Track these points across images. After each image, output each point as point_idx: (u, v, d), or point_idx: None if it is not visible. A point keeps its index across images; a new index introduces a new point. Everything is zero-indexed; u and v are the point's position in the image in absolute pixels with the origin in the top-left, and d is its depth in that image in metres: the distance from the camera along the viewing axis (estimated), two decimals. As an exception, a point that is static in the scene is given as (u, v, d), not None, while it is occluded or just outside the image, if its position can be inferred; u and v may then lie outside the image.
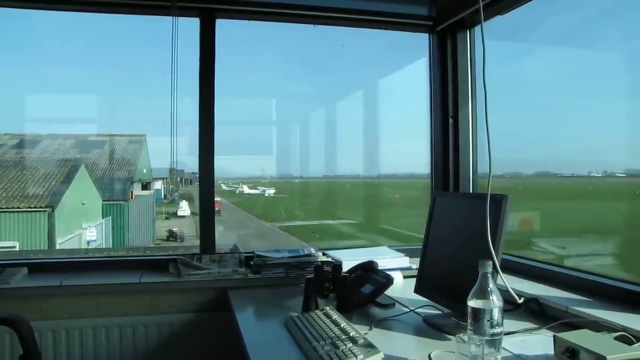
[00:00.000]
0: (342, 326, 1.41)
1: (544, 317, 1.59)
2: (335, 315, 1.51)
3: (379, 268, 1.90)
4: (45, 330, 1.96)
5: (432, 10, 2.51)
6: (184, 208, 9.19)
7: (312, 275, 1.84)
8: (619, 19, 2.42)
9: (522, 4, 2.06)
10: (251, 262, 2.17)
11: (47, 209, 6.79)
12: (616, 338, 1.25)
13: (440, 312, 1.63)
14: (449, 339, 1.41)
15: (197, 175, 2.30)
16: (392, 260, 2.19)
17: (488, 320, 1.13)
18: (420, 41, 2.62)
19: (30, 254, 6.55)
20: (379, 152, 5.53)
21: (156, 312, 2.08)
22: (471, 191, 2.48)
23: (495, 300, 1.15)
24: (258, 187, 9.25)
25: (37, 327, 1.56)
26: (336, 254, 2.25)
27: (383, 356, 1.24)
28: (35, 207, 6.78)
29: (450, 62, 2.52)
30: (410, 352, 1.33)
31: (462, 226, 1.63)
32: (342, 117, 6.45)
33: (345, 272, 1.90)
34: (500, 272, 1.38)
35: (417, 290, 1.76)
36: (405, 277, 2.17)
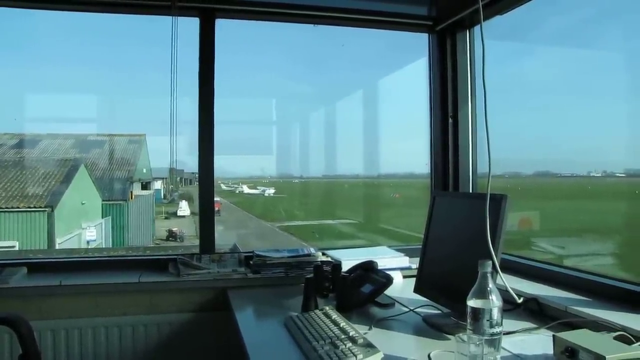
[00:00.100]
0: (341, 326, 1.41)
1: (543, 317, 1.59)
2: (334, 315, 1.51)
3: (379, 268, 1.90)
4: (45, 329, 1.96)
5: (431, 10, 2.51)
6: (184, 208, 9.20)
7: (311, 275, 1.84)
8: (619, 18, 2.42)
9: (522, 4, 2.06)
10: (251, 262, 2.17)
11: (46, 209, 6.79)
12: (615, 338, 1.25)
13: (439, 311, 1.63)
14: (449, 339, 1.41)
15: (197, 175, 2.30)
16: (392, 260, 2.20)
17: (487, 320, 1.13)
18: (420, 41, 2.62)
19: (30, 253, 6.53)
20: (378, 152, 5.53)
21: (156, 311, 2.08)
22: (471, 191, 2.48)
23: (495, 300, 1.15)
24: (258, 187, 9.25)
25: (36, 327, 1.56)
26: (336, 254, 2.25)
27: (382, 356, 1.24)
28: (34, 207, 6.79)
29: (449, 62, 2.52)
30: (410, 352, 1.33)
31: (461, 226, 1.63)
32: (341, 117, 6.45)
33: (345, 272, 1.90)
34: (500, 271, 1.38)
35: (417, 290, 1.76)
36: (404, 276, 2.17)
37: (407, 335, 1.51)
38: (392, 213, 7.35)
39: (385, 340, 1.41)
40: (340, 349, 1.25)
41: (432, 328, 1.52)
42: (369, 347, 1.26)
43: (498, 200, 1.42)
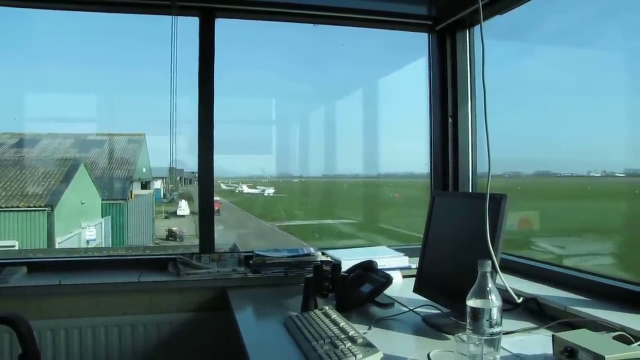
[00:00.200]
0: (341, 325, 1.41)
1: (542, 317, 1.60)
2: (334, 315, 1.51)
3: (378, 267, 1.91)
4: (45, 329, 1.96)
5: (431, 9, 2.51)
6: (184, 207, 9.19)
7: (311, 275, 1.84)
8: (619, 18, 2.42)
9: (521, 4, 2.06)
10: (250, 262, 2.17)
11: (46, 208, 6.79)
12: (615, 338, 1.25)
13: (439, 311, 1.63)
14: (448, 339, 1.41)
15: (197, 174, 2.30)
16: (392, 260, 2.20)
17: (487, 320, 1.13)
18: (420, 41, 2.62)
19: (30, 253, 6.53)
20: (378, 152, 5.52)
21: (155, 311, 2.08)
22: (470, 191, 2.48)
23: (494, 300, 1.15)
24: (257, 187, 9.24)
25: (36, 326, 1.56)
26: (335, 254, 2.25)
27: (382, 355, 1.24)
28: (34, 206, 6.78)
29: (449, 62, 2.53)
30: (410, 352, 1.33)
31: (461, 226, 1.63)
32: (341, 117, 6.44)
33: (345, 272, 1.90)
34: (500, 271, 1.38)
35: (416, 289, 1.76)
36: (404, 276, 2.17)
37: (407, 335, 1.51)
38: (392, 213, 7.34)
39: (384, 340, 1.41)
40: (339, 348, 1.25)
41: (431, 328, 1.52)
42: (369, 346, 1.26)
43: (498, 200, 1.42)
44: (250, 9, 2.34)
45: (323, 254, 2.29)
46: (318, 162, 7.24)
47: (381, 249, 2.41)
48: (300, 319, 1.51)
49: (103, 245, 7.53)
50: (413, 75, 2.95)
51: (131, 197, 8.24)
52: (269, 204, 9.28)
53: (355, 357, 1.21)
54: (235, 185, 9.48)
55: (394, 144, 5.47)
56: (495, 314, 1.14)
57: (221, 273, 2.12)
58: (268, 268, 2.13)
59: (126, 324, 2.05)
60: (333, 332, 1.36)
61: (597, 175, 3.38)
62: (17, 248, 6.38)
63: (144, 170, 8.61)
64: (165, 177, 9.30)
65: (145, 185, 8.92)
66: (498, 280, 1.37)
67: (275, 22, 2.46)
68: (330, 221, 8.17)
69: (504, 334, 1.18)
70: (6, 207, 6.66)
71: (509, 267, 1.94)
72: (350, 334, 1.34)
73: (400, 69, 3.58)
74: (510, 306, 1.52)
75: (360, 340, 1.29)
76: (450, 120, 2.53)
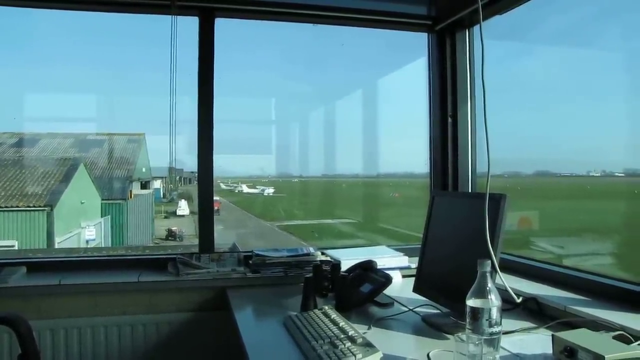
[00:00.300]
0: (340, 325, 1.40)
1: (542, 317, 1.60)
2: (334, 315, 1.51)
3: (378, 267, 1.91)
4: (44, 329, 1.96)
5: (431, 9, 2.51)
6: (183, 207, 9.20)
7: (311, 275, 1.84)
8: (619, 18, 2.42)
9: (521, 4, 2.06)
10: (250, 262, 2.17)
11: (46, 208, 6.79)
12: (614, 337, 1.25)
13: (439, 311, 1.63)
14: (448, 338, 1.41)
15: (196, 174, 2.30)
16: (391, 260, 2.20)
17: (487, 320, 1.13)
18: (419, 40, 2.62)
19: (29, 252, 6.53)
20: (378, 151, 5.52)
21: (155, 311, 2.08)
22: (470, 190, 2.48)
23: (494, 300, 1.15)
24: (257, 186, 9.24)
25: (35, 326, 1.56)
26: (335, 253, 2.25)
27: (382, 355, 1.24)
28: (34, 206, 6.78)
29: (449, 62, 2.53)
30: (409, 351, 1.33)
31: (460, 225, 1.63)
32: (341, 117, 6.44)
33: (344, 272, 1.90)
34: (499, 271, 1.38)
35: (416, 289, 1.76)
36: (404, 276, 2.17)
37: (407, 335, 1.51)
38: (392, 212, 7.35)
39: (384, 339, 1.41)
40: (339, 348, 1.25)
41: (431, 327, 1.52)
42: (368, 346, 1.26)
43: (497, 200, 1.42)
44: (250, 8, 2.33)
45: (323, 253, 2.29)
46: (318, 162, 7.25)
47: (381, 248, 2.41)
48: (300, 319, 1.51)
49: (102, 245, 7.53)
50: (413, 75, 2.95)
51: (131, 196, 8.24)
52: (268, 203, 9.28)
53: (355, 356, 1.21)
54: (235, 185, 9.48)
55: (394, 143, 5.48)
56: (494, 313, 1.14)
57: (221, 273, 2.12)
58: (267, 268, 2.13)
59: (126, 324, 2.04)
60: (333, 332, 1.36)
61: (597, 175, 3.38)
62: (16, 248, 6.38)
63: (144, 169, 8.61)
64: (165, 177, 9.31)
65: (144, 185, 8.92)
66: (497, 280, 1.37)
67: (274, 22, 2.46)
68: (329, 221, 8.18)
69: (503, 333, 1.18)
70: (6, 207, 6.66)
71: (509, 267, 1.94)
72: (350, 333, 1.34)
73: (399, 69, 3.59)
74: (509, 306, 1.51)
75: (359, 340, 1.29)
76: (449, 120, 2.53)
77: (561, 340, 1.20)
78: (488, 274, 1.18)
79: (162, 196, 9.67)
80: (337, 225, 8.00)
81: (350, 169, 7.45)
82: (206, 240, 2.27)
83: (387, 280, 1.78)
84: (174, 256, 2.19)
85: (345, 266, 1.95)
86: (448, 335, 1.43)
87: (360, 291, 1.77)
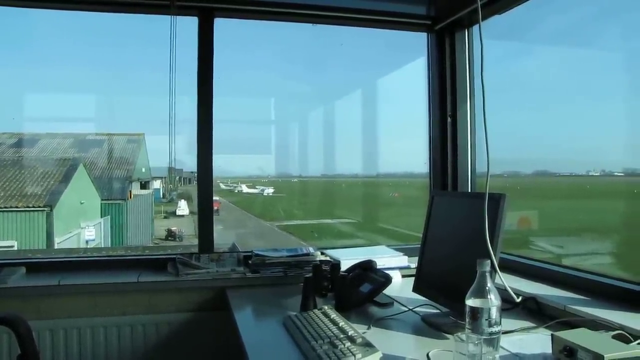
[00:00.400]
0: (340, 325, 1.40)
1: (542, 316, 1.60)
2: (333, 315, 1.51)
3: (378, 267, 1.90)
4: (44, 329, 1.96)
5: (430, 9, 2.51)
6: (183, 207, 9.19)
7: (310, 275, 1.84)
8: (618, 18, 2.42)
9: (520, 4, 2.06)
10: (250, 262, 2.17)
11: (45, 208, 6.78)
12: (614, 337, 1.25)
13: (438, 311, 1.63)
14: (447, 338, 1.41)
15: (196, 174, 2.30)
16: (391, 260, 2.20)
17: (486, 319, 1.13)
18: (419, 40, 2.62)
19: (29, 253, 6.52)
20: (377, 151, 5.52)
21: (155, 311, 2.07)
22: (469, 190, 2.48)
23: (494, 299, 1.15)
24: (257, 186, 9.24)
25: (35, 327, 1.56)
26: (335, 253, 2.25)
27: (381, 355, 1.24)
28: (33, 207, 6.78)
29: (448, 62, 2.53)
30: (409, 351, 1.33)
31: (460, 225, 1.63)
32: (340, 116, 6.44)
33: (344, 271, 1.90)
34: (499, 271, 1.38)
35: (416, 289, 1.76)
36: (403, 276, 2.17)
37: (406, 335, 1.51)
38: (391, 212, 7.35)
39: (384, 339, 1.41)
40: (339, 348, 1.25)
41: (431, 327, 1.52)
42: (368, 346, 1.26)
43: (497, 200, 1.42)
44: (250, 8, 2.34)
45: (322, 253, 2.29)
46: (317, 162, 7.25)
47: (380, 248, 2.41)
48: (300, 319, 1.51)
49: (102, 246, 7.53)
50: (412, 75, 2.95)
51: (130, 197, 8.24)
52: (268, 203, 9.28)
53: (355, 356, 1.21)
54: (235, 185, 9.47)
55: (393, 143, 5.48)
56: (494, 313, 1.14)
57: (220, 273, 2.12)
58: (267, 268, 2.13)
59: (125, 324, 2.04)
60: (332, 332, 1.36)
61: (596, 174, 3.39)
62: (16, 248, 6.38)
63: (143, 170, 8.60)
64: (165, 177, 9.31)
65: (144, 185, 8.91)
66: (497, 280, 1.37)
67: (274, 22, 2.46)
68: (329, 221, 8.18)
69: (503, 333, 1.18)
70: (5, 207, 6.65)
71: (508, 267, 1.95)
72: (350, 333, 1.34)
73: (399, 69, 3.59)
74: (509, 305, 1.52)
75: (359, 340, 1.29)
76: (449, 119, 2.53)
77: (560, 340, 1.20)
78: (487, 274, 1.18)
79: (161, 196, 9.67)
80: (336, 225, 8.00)
81: (350, 168, 7.46)
82: (206, 241, 2.27)
83: (387, 280, 1.78)
84: (174, 256, 2.19)
85: (344, 266, 1.95)
86: (448, 335, 1.43)
87: (359, 291, 1.77)
